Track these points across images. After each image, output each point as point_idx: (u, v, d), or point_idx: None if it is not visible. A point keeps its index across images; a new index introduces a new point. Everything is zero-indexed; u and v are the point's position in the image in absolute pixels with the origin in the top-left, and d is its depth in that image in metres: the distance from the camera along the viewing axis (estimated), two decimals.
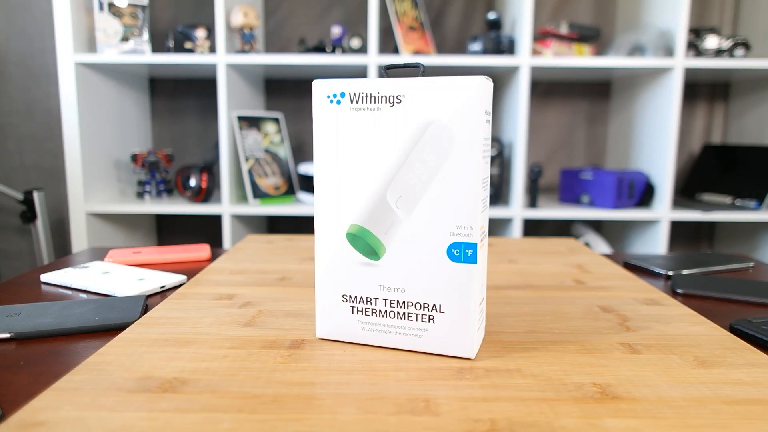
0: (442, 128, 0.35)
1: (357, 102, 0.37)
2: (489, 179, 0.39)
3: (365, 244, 0.38)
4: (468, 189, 0.35)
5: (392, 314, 0.38)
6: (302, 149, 1.88)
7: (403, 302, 0.38)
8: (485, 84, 0.34)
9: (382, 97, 0.36)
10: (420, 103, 0.35)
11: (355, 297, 0.39)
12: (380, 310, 0.38)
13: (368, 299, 0.39)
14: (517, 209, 1.50)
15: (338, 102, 0.37)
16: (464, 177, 0.35)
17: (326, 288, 0.40)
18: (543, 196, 1.84)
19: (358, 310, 0.39)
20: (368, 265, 0.38)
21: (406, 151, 0.36)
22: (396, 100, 0.36)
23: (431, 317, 0.37)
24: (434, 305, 0.37)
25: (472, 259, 0.36)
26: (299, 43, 1.58)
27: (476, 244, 0.36)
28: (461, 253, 0.36)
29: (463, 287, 0.36)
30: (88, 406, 0.30)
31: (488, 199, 0.38)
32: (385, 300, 0.38)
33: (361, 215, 0.38)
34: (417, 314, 0.38)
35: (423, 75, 0.36)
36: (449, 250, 0.36)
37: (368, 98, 0.36)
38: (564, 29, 1.53)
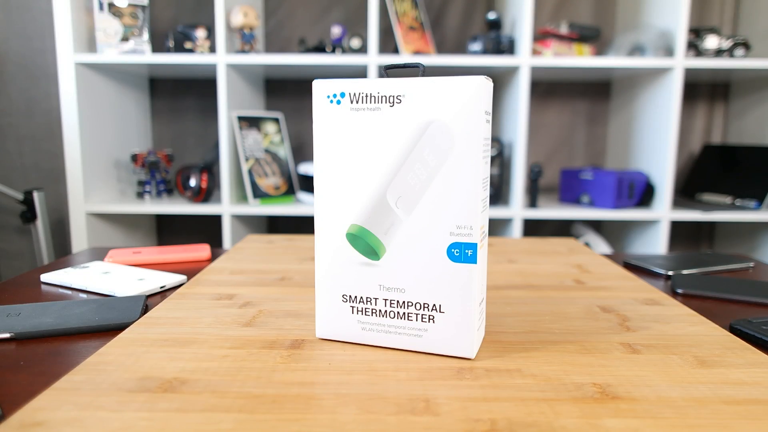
0: (442, 128, 0.35)
1: (357, 102, 0.37)
2: (489, 179, 0.39)
3: (365, 244, 0.38)
4: (468, 189, 0.35)
5: (392, 314, 0.38)
6: (302, 149, 1.88)
7: (403, 302, 0.38)
8: (485, 84, 0.34)
9: (382, 97, 0.36)
10: (420, 103, 0.35)
11: (355, 297, 0.39)
12: (380, 310, 0.38)
13: (368, 299, 0.39)
14: (517, 209, 1.50)
15: (338, 102, 0.37)
16: (464, 177, 0.35)
17: (326, 288, 0.40)
18: (543, 196, 1.84)
19: (358, 310, 0.39)
20: (368, 265, 0.38)
21: (406, 151, 0.36)
22: (396, 100, 0.35)
23: (431, 317, 0.37)
24: (434, 305, 0.37)
25: (472, 259, 0.36)
26: (299, 43, 1.58)
27: (476, 244, 0.36)
28: (461, 253, 0.36)
29: (463, 287, 0.36)
30: (88, 406, 0.30)
31: (488, 199, 0.38)
32: (386, 300, 0.38)
33: (361, 215, 0.38)
34: (417, 314, 0.38)
35: (423, 75, 0.36)
36: (449, 250, 0.36)
37: (368, 98, 0.36)
38: (564, 29, 1.53)
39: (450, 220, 0.36)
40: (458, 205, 0.35)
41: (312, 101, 1.14)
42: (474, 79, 0.34)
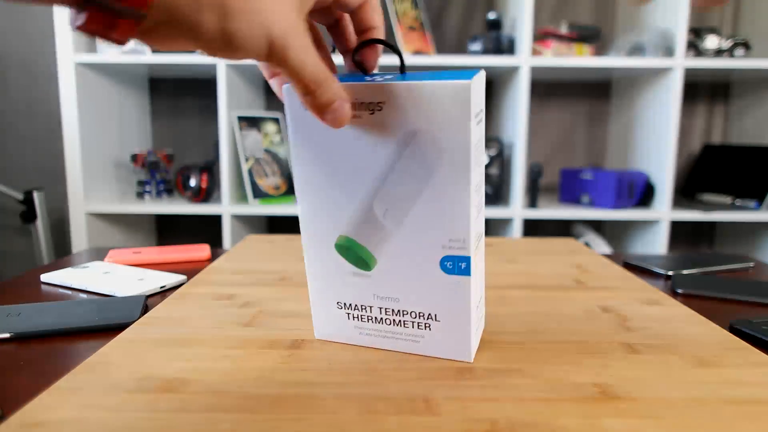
0: (427, 138, 0.32)
1: None
2: (483, 181, 0.36)
3: (355, 255, 0.37)
4: (459, 202, 0.33)
5: (388, 321, 0.38)
6: None
7: (398, 311, 0.37)
8: (473, 84, 0.31)
9: (360, 103, 0.32)
10: (402, 111, 0.32)
11: (350, 305, 0.38)
12: (376, 317, 0.38)
13: (363, 307, 0.38)
14: (517, 209, 1.50)
15: None
16: (454, 189, 0.32)
17: (320, 296, 0.39)
18: (543, 196, 1.84)
19: (353, 317, 0.39)
20: (361, 275, 0.37)
21: (391, 162, 0.33)
22: (376, 107, 0.32)
23: (427, 325, 0.37)
24: (429, 314, 0.36)
25: (466, 272, 0.34)
26: None
27: (470, 257, 0.34)
28: (455, 266, 0.34)
29: (458, 298, 0.35)
30: (88, 406, 0.30)
31: (483, 202, 0.37)
32: (380, 308, 0.37)
33: (349, 227, 0.36)
34: (413, 322, 0.37)
35: (401, 65, 0.33)
36: (442, 262, 0.35)
37: None
38: (564, 29, 1.53)
39: (442, 233, 0.34)
40: (449, 218, 0.33)
41: None
42: (458, 83, 0.30)
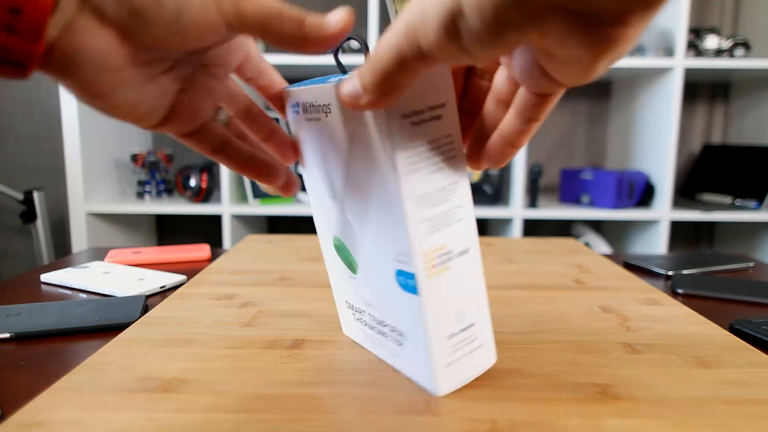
0: (362, 143, 0.29)
1: (306, 112, 0.32)
2: (451, 189, 0.30)
3: (345, 255, 0.36)
4: (397, 211, 0.28)
5: (375, 329, 0.36)
6: None
7: (379, 319, 0.35)
8: None
9: (318, 106, 0.31)
10: (345, 113, 0.29)
11: (352, 305, 0.38)
12: (367, 322, 0.37)
13: (359, 309, 0.38)
14: (517, 209, 1.50)
15: (296, 112, 0.33)
16: (392, 197, 0.28)
17: (336, 293, 0.40)
18: (543, 196, 1.84)
19: (356, 318, 0.39)
20: (353, 277, 0.37)
21: (346, 166, 0.31)
22: (327, 109, 0.30)
23: (399, 341, 0.34)
24: (399, 330, 0.33)
25: (413, 290, 0.30)
26: None
27: (413, 273, 0.29)
28: (405, 282, 0.30)
29: (415, 318, 0.31)
30: (88, 406, 0.30)
31: (463, 214, 0.30)
32: (369, 314, 0.37)
33: (337, 228, 0.36)
34: (389, 334, 0.35)
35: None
36: (397, 276, 0.31)
37: (311, 108, 0.32)
38: None
39: (391, 245, 0.30)
40: (394, 229, 0.29)
41: None
42: None
